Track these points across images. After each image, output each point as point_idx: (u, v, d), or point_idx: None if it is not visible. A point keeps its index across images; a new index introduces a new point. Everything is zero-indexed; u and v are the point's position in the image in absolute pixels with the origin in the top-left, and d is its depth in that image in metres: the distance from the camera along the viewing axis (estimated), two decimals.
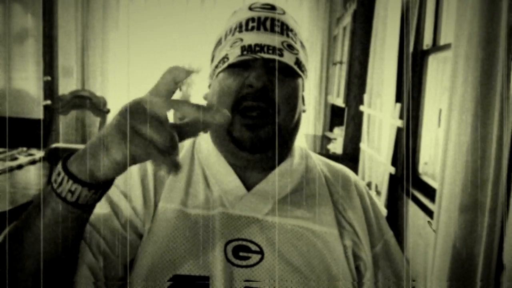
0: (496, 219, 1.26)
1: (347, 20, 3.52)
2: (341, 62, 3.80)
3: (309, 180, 0.98)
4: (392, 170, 2.37)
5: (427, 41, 2.39)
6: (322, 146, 3.91)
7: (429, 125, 2.39)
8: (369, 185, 2.78)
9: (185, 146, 1.01)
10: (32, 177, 2.80)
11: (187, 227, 0.88)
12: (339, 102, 3.66)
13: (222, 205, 0.91)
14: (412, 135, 2.40)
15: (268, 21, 0.92)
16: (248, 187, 0.94)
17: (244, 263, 0.86)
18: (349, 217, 0.96)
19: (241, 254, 0.87)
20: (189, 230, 0.88)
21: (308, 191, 0.96)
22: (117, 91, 4.63)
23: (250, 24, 0.92)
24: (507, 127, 1.23)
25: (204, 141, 1.00)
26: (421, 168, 2.42)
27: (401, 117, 2.39)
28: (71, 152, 0.66)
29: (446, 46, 2.16)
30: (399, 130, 2.45)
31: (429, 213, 1.94)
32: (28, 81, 4.44)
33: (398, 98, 2.55)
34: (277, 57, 0.89)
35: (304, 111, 1.00)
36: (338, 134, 3.75)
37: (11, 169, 2.84)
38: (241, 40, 0.91)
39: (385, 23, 2.75)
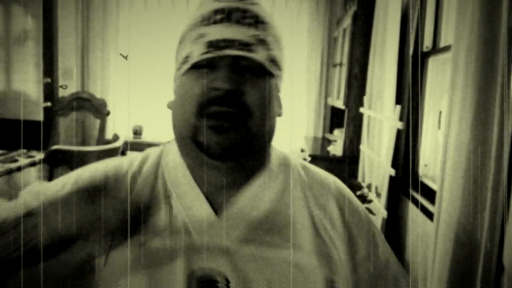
0: (496, 220, 1.26)
1: (347, 22, 3.52)
2: (341, 64, 3.80)
3: (286, 196, 0.86)
4: (392, 172, 2.37)
5: (427, 43, 2.39)
6: (322, 148, 3.90)
7: (429, 127, 2.39)
8: (369, 187, 2.78)
9: (150, 157, 0.90)
10: (32, 179, 2.80)
11: (144, 261, 0.78)
12: (339, 104, 3.66)
13: (187, 233, 0.80)
14: (412, 137, 2.40)
15: (237, 12, 0.79)
16: (218, 208, 0.83)
17: None
18: (330, 236, 0.85)
19: None
20: (147, 264, 0.78)
21: (285, 211, 0.84)
22: (117, 93, 4.63)
23: (215, 17, 0.79)
24: (507, 129, 1.23)
25: (172, 153, 0.88)
26: (421, 170, 2.41)
27: (401, 119, 2.39)
28: None
29: (446, 48, 2.16)
30: (399, 132, 2.44)
31: (429, 215, 1.94)
32: (28, 83, 4.44)
33: (398, 100, 2.55)
34: (246, 54, 0.78)
35: (280, 115, 0.88)
36: (338, 136, 3.75)
37: (11, 171, 2.84)
38: (205, 35, 0.78)
39: (385, 25, 2.75)
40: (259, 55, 0.79)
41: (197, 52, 0.78)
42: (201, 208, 0.82)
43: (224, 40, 0.77)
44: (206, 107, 0.77)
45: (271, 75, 0.82)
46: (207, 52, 0.77)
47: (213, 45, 0.77)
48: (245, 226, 0.81)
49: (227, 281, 0.77)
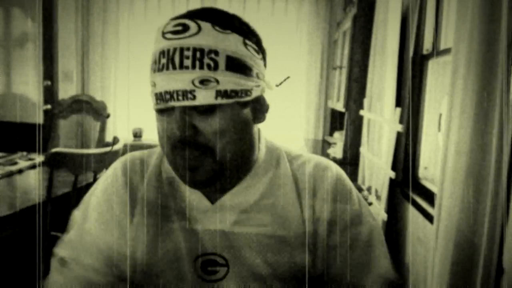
0: (496, 223, 1.26)
1: (347, 24, 3.53)
2: (341, 67, 3.80)
3: (275, 187, 0.95)
4: (392, 174, 2.37)
5: (427, 45, 2.39)
6: (322, 150, 3.90)
7: (429, 130, 2.39)
8: (369, 189, 2.78)
9: (151, 164, 1.01)
10: (32, 181, 2.80)
11: (158, 241, 0.92)
12: (339, 106, 3.66)
13: (188, 220, 0.93)
14: (412, 140, 2.40)
15: (177, 54, 0.82)
16: (212, 201, 0.94)
17: (213, 277, 0.90)
18: (317, 217, 0.95)
19: (209, 269, 0.90)
20: (161, 245, 0.92)
21: (274, 198, 0.94)
22: (117, 96, 4.63)
23: (161, 61, 0.83)
24: (507, 132, 1.23)
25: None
26: (421, 173, 2.41)
27: (401, 121, 2.39)
28: None
29: (446, 51, 2.17)
30: (399, 134, 2.44)
31: (429, 217, 1.93)
32: (28, 85, 4.44)
33: (398, 103, 2.55)
34: (189, 103, 0.82)
35: (260, 121, 0.94)
36: (338, 138, 3.75)
37: (11, 174, 2.84)
38: (154, 85, 0.85)
39: (385, 27, 2.75)
40: (201, 99, 0.82)
41: (152, 102, 0.87)
42: (197, 200, 0.94)
43: (167, 92, 0.82)
44: (173, 146, 0.86)
45: (227, 104, 0.85)
46: (157, 104, 0.85)
47: (161, 97, 0.84)
48: (237, 212, 0.93)
49: (225, 260, 0.90)
